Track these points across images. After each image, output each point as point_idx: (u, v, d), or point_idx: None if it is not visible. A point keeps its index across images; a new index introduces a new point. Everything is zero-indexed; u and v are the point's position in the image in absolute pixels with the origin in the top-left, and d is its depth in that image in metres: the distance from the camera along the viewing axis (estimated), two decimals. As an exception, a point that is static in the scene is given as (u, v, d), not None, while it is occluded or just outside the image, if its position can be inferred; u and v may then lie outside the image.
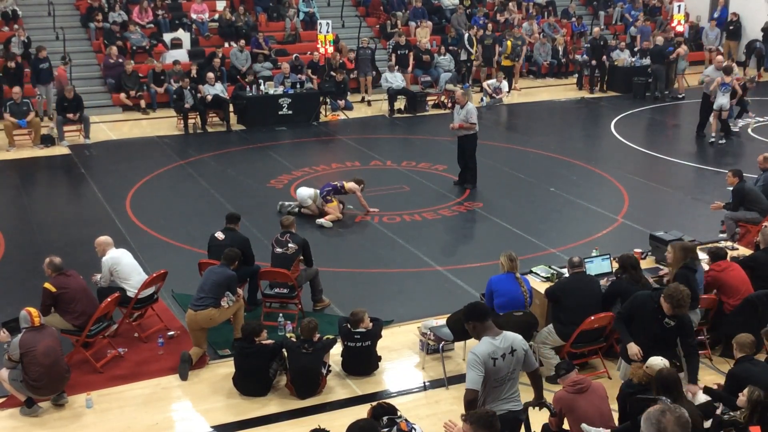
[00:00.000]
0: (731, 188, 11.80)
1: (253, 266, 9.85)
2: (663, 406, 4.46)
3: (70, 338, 8.66)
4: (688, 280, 8.13)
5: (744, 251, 9.96)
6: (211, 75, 18.99)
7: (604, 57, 22.61)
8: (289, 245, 9.77)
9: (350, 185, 13.09)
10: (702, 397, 7.00)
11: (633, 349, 7.29)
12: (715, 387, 7.27)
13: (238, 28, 22.44)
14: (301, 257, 9.91)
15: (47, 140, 17.34)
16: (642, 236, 11.04)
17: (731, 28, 25.67)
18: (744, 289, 8.82)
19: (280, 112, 19.11)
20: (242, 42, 21.57)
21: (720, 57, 18.61)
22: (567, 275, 8.74)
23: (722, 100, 16.66)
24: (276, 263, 9.76)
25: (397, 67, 21.26)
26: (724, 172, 13.43)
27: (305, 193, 13.10)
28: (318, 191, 13.08)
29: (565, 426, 6.84)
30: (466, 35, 22.88)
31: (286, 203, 13.32)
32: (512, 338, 6.13)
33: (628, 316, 7.51)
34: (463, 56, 22.77)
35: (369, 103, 21.27)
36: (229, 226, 10.05)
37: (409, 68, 22.13)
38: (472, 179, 14.44)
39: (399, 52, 22.09)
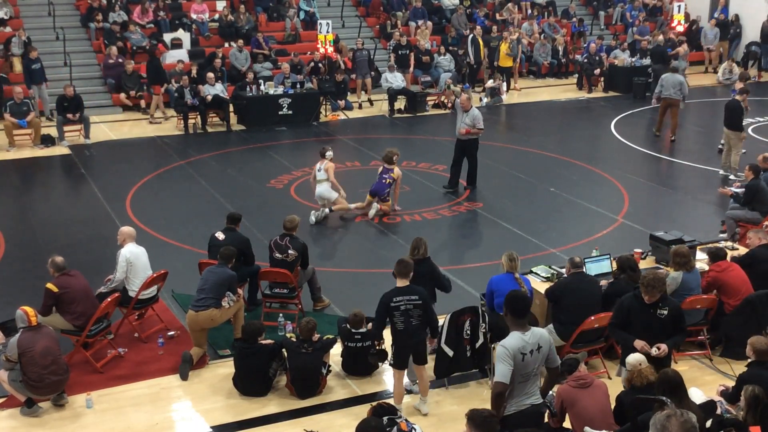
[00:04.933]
0: (744, 184, 11.78)
1: (253, 266, 9.85)
2: (669, 410, 4.47)
3: (70, 338, 8.67)
4: None
5: (744, 251, 9.96)
6: (211, 75, 18.99)
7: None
8: (289, 252, 9.64)
9: (398, 172, 12.98)
10: (701, 396, 7.00)
11: (639, 343, 7.26)
12: (722, 389, 7.24)
13: (238, 28, 22.44)
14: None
15: (47, 140, 17.34)
16: (642, 236, 11.03)
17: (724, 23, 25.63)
18: (744, 289, 8.82)
19: (280, 112, 19.12)
20: (241, 42, 21.57)
21: None
22: (567, 275, 8.74)
23: None
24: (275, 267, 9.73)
25: (396, 67, 21.25)
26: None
27: (321, 188, 12.74)
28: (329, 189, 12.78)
29: (566, 425, 6.84)
30: (471, 36, 22.83)
31: (316, 213, 12.84)
32: (539, 334, 6.16)
33: (623, 323, 7.48)
34: (470, 58, 22.68)
35: (371, 102, 21.25)
36: (229, 226, 10.03)
37: (410, 68, 22.12)
38: (472, 180, 14.44)
39: (399, 52, 22.07)
